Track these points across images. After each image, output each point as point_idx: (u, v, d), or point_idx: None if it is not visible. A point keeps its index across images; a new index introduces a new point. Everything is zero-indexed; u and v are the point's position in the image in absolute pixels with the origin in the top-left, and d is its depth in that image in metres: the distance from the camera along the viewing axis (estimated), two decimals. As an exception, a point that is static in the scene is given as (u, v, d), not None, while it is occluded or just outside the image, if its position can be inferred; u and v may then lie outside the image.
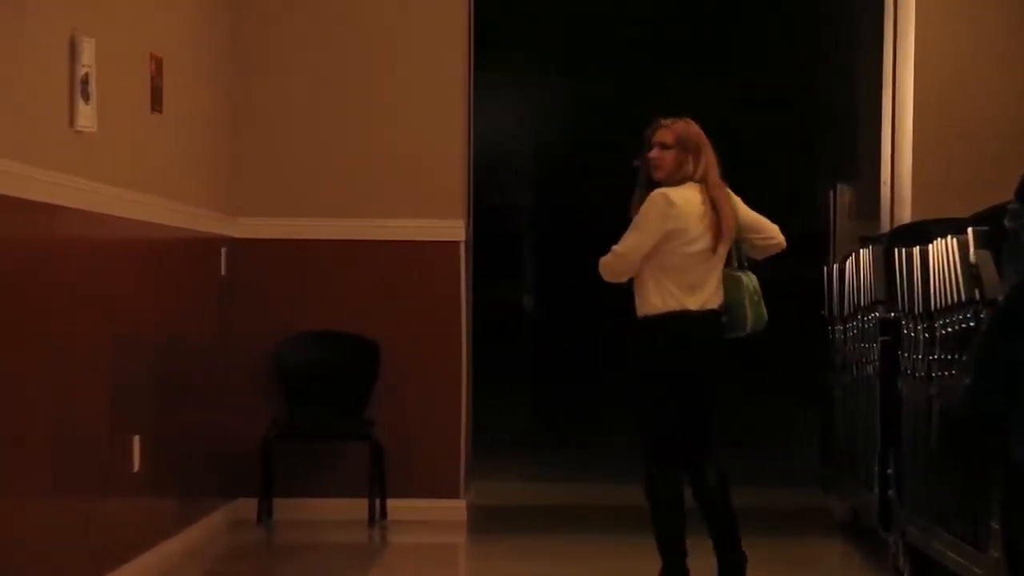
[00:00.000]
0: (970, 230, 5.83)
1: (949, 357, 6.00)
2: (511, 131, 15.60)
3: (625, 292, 6.25)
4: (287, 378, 8.37)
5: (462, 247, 8.50)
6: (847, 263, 8.12)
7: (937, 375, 6.17)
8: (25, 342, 5.32)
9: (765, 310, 6.20)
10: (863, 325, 7.57)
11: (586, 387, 14.72)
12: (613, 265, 6.13)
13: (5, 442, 5.13)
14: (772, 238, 6.30)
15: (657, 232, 6.04)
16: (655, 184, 6.17)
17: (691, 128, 6.16)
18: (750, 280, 6.21)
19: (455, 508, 8.44)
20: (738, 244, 6.21)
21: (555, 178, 15.79)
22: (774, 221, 6.35)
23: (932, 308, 6.23)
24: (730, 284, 6.18)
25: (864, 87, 9.72)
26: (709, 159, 6.14)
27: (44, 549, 5.53)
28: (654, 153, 6.11)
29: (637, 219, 6.09)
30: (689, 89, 14.11)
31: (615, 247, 6.12)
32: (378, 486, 8.24)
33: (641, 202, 6.15)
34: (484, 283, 9.62)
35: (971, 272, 5.74)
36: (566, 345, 15.12)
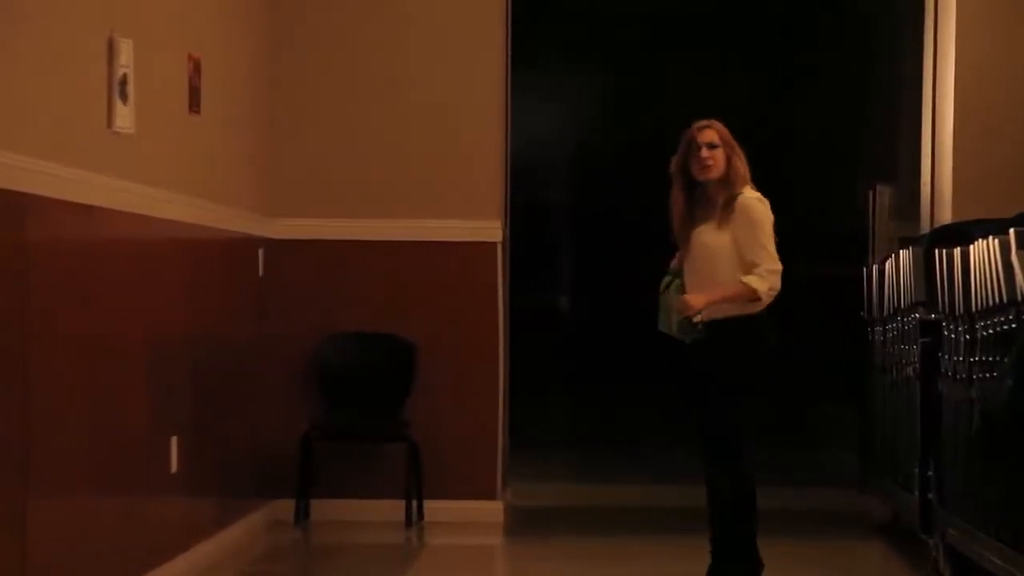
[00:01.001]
0: (1012, 231, 5.79)
1: (990, 359, 5.96)
2: (549, 131, 15.57)
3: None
4: (324, 379, 8.37)
5: (499, 247, 8.49)
6: (887, 264, 8.07)
7: (978, 377, 6.12)
8: (63, 343, 5.33)
9: None
10: (903, 327, 7.52)
11: (623, 387, 14.68)
12: (777, 280, 6.05)
13: (45, 443, 5.14)
14: None
15: None
16: (696, 184, 6.13)
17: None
18: None
19: (492, 509, 8.42)
20: None
21: (592, 178, 15.76)
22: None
23: (973, 309, 6.18)
24: None
25: (904, 87, 9.67)
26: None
27: (83, 549, 5.54)
28: (705, 153, 6.08)
29: (757, 230, 6.03)
30: (729, 89, 14.08)
31: (765, 266, 6.00)
32: (415, 487, 8.23)
33: (688, 204, 6.12)
34: (521, 283, 9.60)
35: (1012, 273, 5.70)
36: (603, 345, 15.08)
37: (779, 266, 6.06)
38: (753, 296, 6.02)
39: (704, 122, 6.16)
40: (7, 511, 4.91)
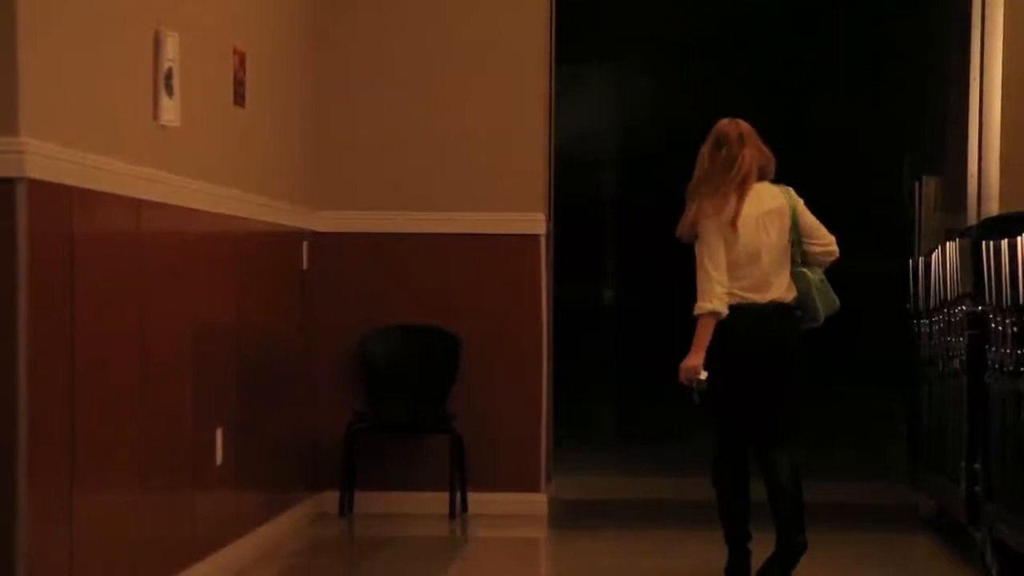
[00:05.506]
0: (1060, 222, 5.75)
1: (1038, 351, 5.92)
2: (593, 125, 15.56)
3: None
4: (368, 371, 8.39)
5: (543, 240, 8.48)
6: (933, 256, 8.03)
7: (1026, 370, 6.08)
8: (111, 335, 5.35)
9: None
10: (949, 319, 7.48)
11: (667, 380, 14.66)
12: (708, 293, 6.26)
13: (91, 435, 5.17)
14: None
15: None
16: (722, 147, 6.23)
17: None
18: None
19: (536, 502, 8.42)
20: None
21: (637, 172, 15.74)
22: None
23: (1021, 302, 6.14)
24: None
25: (952, 78, 9.61)
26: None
27: (129, 540, 5.57)
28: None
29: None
30: (775, 84, 14.04)
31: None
32: (459, 479, 8.24)
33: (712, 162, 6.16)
34: (565, 277, 9.60)
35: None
36: (648, 338, 15.07)
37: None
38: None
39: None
40: (54, 503, 4.94)
